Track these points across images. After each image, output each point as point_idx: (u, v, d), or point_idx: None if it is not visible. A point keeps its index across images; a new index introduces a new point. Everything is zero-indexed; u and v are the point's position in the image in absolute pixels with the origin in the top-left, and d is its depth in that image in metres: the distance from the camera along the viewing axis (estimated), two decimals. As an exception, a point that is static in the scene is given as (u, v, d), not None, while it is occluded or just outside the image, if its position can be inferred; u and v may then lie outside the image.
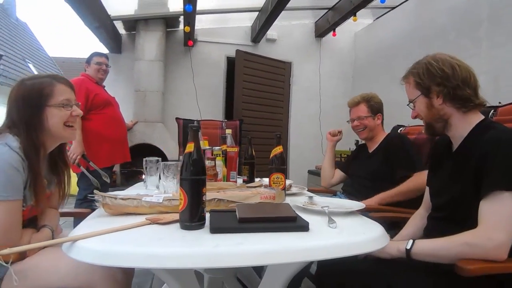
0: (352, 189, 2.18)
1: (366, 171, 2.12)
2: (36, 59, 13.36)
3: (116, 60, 4.88)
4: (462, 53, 1.37)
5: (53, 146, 1.32)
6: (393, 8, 4.54)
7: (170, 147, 4.27)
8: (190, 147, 0.96)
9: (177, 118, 3.07)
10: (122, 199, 1.15)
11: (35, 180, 1.17)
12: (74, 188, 3.40)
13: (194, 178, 0.94)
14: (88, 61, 2.98)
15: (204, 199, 0.96)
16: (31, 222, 1.27)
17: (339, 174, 2.43)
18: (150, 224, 1.02)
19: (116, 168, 4.18)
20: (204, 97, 4.99)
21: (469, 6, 3.35)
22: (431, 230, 1.32)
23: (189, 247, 0.83)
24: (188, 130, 0.98)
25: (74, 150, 2.63)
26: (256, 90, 4.80)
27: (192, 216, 0.94)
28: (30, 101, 1.22)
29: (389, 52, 4.55)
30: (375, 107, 2.18)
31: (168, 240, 0.89)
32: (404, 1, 4.34)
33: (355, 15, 4.30)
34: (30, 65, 11.98)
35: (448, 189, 1.24)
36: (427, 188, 1.46)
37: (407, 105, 1.34)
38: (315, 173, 4.82)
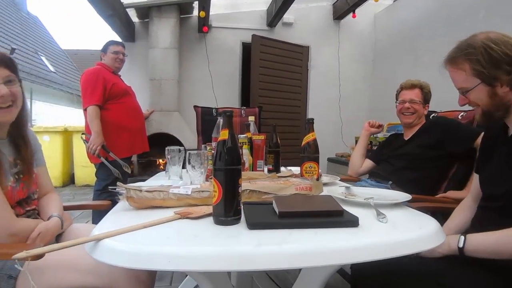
0: (383, 173, 2.08)
1: (403, 155, 2.04)
2: (49, 52, 13.41)
3: (129, 48, 4.76)
4: (494, 32, 1.21)
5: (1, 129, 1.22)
6: (416, -14, 4.32)
7: (187, 136, 4.20)
8: (224, 134, 0.86)
9: (195, 106, 2.97)
10: (148, 191, 1.06)
11: None
12: (92, 179, 3.39)
13: (229, 168, 0.84)
14: (104, 50, 2.90)
15: (240, 191, 0.87)
16: (20, 204, 1.22)
17: (368, 163, 2.32)
18: (180, 218, 0.93)
19: (133, 158, 4.14)
20: (220, 84, 4.88)
21: (502, -21, 3.13)
22: (482, 222, 1.21)
23: (228, 246, 0.74)
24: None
25: (93, 141, 2.57)
26: (273, 76, 4.66)
27: (228, 210, 0.85)
28: None
29: (413, 33, 4.34)
30: (427, 97, 2.11)
31: (204, 238, 0.80)
32: (428, -22, 4.12)
33: (376, -5, 4.10)
34: (43, 58, 12.04)
35: (503, 177, 1.12)
36: (475, 176, 1.34)
37: (461, 93, 1.19)
38: (335, 160, 4.69)
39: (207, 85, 4.83)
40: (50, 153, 5.81)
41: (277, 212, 0.88)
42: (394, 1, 4.88)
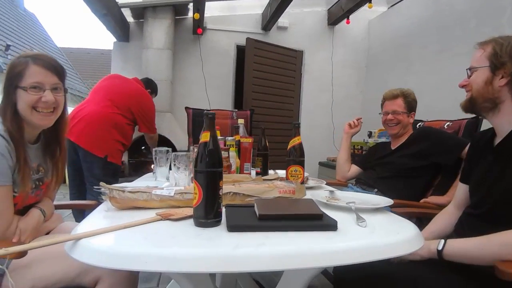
0: (369, 180, 2.09)
1: (388, 164, 2.06)
2: (44, 50, 13.27)
3: (124, 48, 4.79)
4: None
5: (33, 132, 1.24)
6: (409, -6, 4.36)
7: (179, 138, 4.19)
8: (205, 136, 0.87)
9: (186, 108, 2.97)
10: (131, 192, 1.06)
11: (20, 165, 1.12)
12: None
13: (210, 170, 0.85)
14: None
15: (220, 193, 0.87)
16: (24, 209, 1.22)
17: (355, 168, 2.34)
18: (161, 220, 0.93)
19: (124, 158, 4.12)
20: (213, 86, 4.88)
21: (492, -10, 3.17)
22: (466, 228, 1.23)
23: (205, 247, 0.74)
24: (203, 118, 0.89)
25: None
26: (266, 80, 4.67)
27: (208, 212, 0.85)
28: (6, 81, 1.16)
29: (405, 41, 4.38)
30: (411, 105, 2.10)
31: (182, 239, 0.80)
32: (422, -13, 4.16)
33: (370, 2, 4.13)
34: (39, 55, 11.94)
35: (487, 185, 1.14)
36: (460, 185, 1.36)
37: (467, 69, 1.21)
38: (326, 165, 4.70)
39: (200, 86, 4.82)
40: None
41: (257, 215, 0.88)
42: (388, 8, 4.92)
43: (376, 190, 1.98)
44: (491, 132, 1.23)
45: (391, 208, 1.61)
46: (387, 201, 1.18)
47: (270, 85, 4.72)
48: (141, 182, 1.58)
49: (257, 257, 0.72)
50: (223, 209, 0.92)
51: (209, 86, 4.85)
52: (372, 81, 5.14)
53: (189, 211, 0.96)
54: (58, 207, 1.43)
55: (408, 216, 1.78)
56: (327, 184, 1.74)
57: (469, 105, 1.19)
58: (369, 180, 2.08)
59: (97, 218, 1.00)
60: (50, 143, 1.30)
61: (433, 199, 1.84)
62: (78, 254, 0.74)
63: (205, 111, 0.89)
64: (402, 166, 1.98)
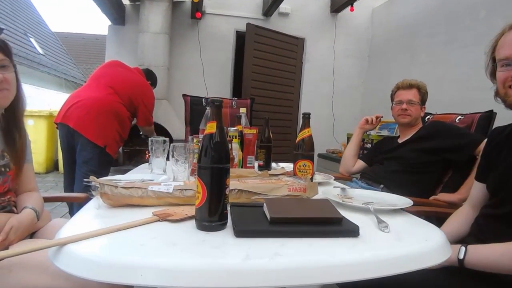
0: (375, 175, 2.00)
1: (396, 158, 1.96)
2: (38, 34, 13.01)
3: (119, 32, 4.62)
4: (494, 33, 1.13)
5: None
6: (417, -19, 4.22)
7: (175, 126, 4.06)
8: (211, 127, 0.76)
9: (184, 95, 2.85)
10: (124, 187, 0.95)
11: None
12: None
13: (216, 166, 0.74)
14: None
15: (227, 192, 0.77)
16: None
17: (360, 163, 2.25)
18: (158, 220, 0.82)
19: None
20: (211, 73, 4.73)
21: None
22: (485, 230, 1.14)
23: (211, 257, 0.64)
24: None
25: None
26: (266, 67, 4.53)
27: (212, 214, 0.75)
28: None
29: (411, 30, 4.25)
30: (424, 98, 2.03)
31: (183, 247, 0.69)
32: (430, -26, 4.02)
33: (375, -12, 3.99)
34: (32, 40, 11.65)
35: (510, 183, 1.05)
36: (476, 184, 1.27)
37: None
38: (326, 157, 4.62)
39: (198, 73, 4.68)
40: (34, 138, 5.60)
41: (268, 218, 0.78)
42: (393, -4, 4.78)
43: (382, 186, 1.89)
44: (511, 128, 1.14)
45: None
46: (405, 201, 1.08)
47: (270, 73, 4.59)
48: (136, 175, 1.47)
49: (271, 271, 0.61)
50: (229, 209, 0.82)
51: (207, 73, 4.70)
52: (374, 72, 5.02)
53: (190, 210, 0.85)
54: (44, 200, 1.32)
55: (417, 215, 1.70)
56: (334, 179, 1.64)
57: None
58: (376, 175, 1.99)
59: (86, 218, 0.89)
60: (10, 127, 1.19)
61: (443, 196, 1.75)
62: (63, 263, 0.64)
63: (210, 98, 0.77)
64: (412, 161, 1.89)
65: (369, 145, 3.71)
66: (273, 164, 1.78)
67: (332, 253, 0.67)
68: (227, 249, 0.67)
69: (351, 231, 0.75)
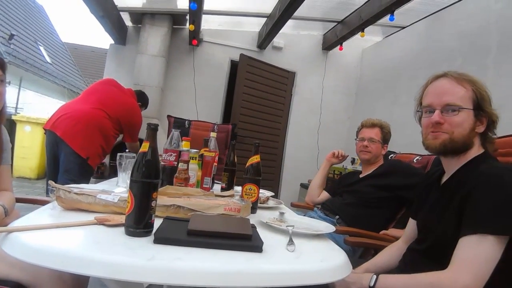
0: (332, 206, 2.11)
1: (354, 191, 2.08)
2: (48, 43, 13.38)
3: (119, 51, 4.85)
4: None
5: None
6: (403, 27, 4.48)
7: (163, 145, 4.19)
8: (145, 146, 0.89)
9: (168, 116, 3.00)
10: (76, 193, 1.08)
11: None
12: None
13: (143, 181, 0.87)
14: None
15: (153, 204, 0.89)
16: None
17: (325, 194, 2.37)
18: (96, 224, 0.95)
19: (106, 160, 4.11)
20: (203, 98, 4.93)
21: (479, 32, 3.27)
22: (407, 263, 1.25)
23: (122, 255, 0.76)
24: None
25: None
26: (256, 97, 4.73)
27: (138, 221, 0.87)
28: None
29: (395, 72, 4.48)
30: (386, 138, 2.17)
31: (106, 245, 0.82)
32: (415, 22, 4.28)
33: (363, 31, 4.24)
34: (41, 48, 11.98)
35: (430, 223, 1.16)
36: (410, 221, 1.39)
37: (444, 109, 1.10)
38: (307, 186, 4.72)
39: (190, 96, 4.87)
40: (29, 144, 5.76)
41: (187, 229, 0.90)
42: (383, 38, 5.04)
43: (337, 217, 2.00)
44: (441, 170, 1.24)
45: (344, 237, 1.64)
46: (329, 227, 1.20)
47: (260, 103, 4.78)
48: (103, 185, 1.59)
49: (169, 271, 0.73)
50: (161, 221, 0.94)
51: (199, 97, 4.90)
52: (360, 109, 5.22)
53: (126, 219, 0.97)
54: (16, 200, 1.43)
55: (364, 247, 1.80)
56: (293, 205, 1.75)
57: (446, 148, 1.10)
58: (333, 206, 2.10)
59: (39, 215, 1.02)
60: None
61: (393, 231, 1.85)
62: (7, 247, 0.77)
63: (148, 123, 0.91)
64: (367, 195, 2.00)
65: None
66: (237, 187, 1.89)
67: (228, 262, 0.79)
68: (139, 251, 0.79)
69: (255, 246, 0.87)
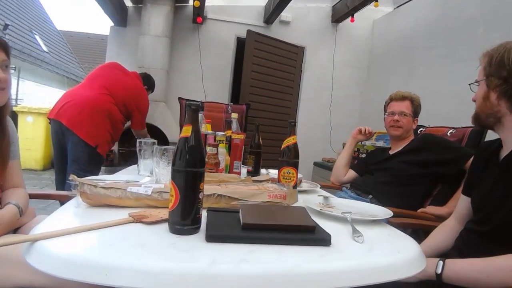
0: (365, 186, 2.00)
1: (387, 169, 1.96)
2: (43, 31, 13.09)
3: (120, 33, 4.65)
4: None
5: None
6: (416, -5, 4.25)
7: (172, 129, 4.07)
8: (187, 130, 0.76)
9: (180, 98, 2.85)
10: (103, 187, 0.95)
11: None
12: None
13: (190, 170, 0.74)
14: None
15: (201, 197, 0.77)
16: None
17: (351, 173, 2.24)
18: (133, 222, 0.82)
19: (114, 148, 4.00)
20: (210, 78, 4.75)
21: (502, -4, 3.07)
22: (467, 245, 1.14)
23: (178, 261, 0.63)
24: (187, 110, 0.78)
25: None
26: (265, 74, 4.55)
27: (185, 218, 0.75)
28: None
29: (410, 43, 4.28)
30: (417, 110, 2.04)
31: (152, 249, 0.69)
32: (429, -12, 4.05)
33: (376, 0, 4.02)
34: (37, 37, 11.73)
35: (493, 201, 1.05)
36: (462, 197, 1.27)
37: (470, 84, 1.19)
38: (321, 165, 4.61)
39: (197, 77, 4.69)
40: (32, 135, 5.63)
41: (241, 223, 0.78)
42: (394, 8, 4.81)
43: (371, 196, 1.89)
44: (497, 144, 1.15)
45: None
46: (386, 212, 1.08)
47: (269, 80, 4.61)
48: (123, 175, 1.47)
49: (236, 277, 0.61)
50: (205, 213, 0.82)
51: (206, 77, 4.72)
52: (373, 83, 5.04)
53: (166, 213, 0.85)
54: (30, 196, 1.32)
55: (403, 227, 1.69)
56: (321, 187, 1.64)
57: (476, 122, 1.18)
58: (365, 186, 1.98)
59: (64, 216, 0.89)
60: None
61: (431, 209, 1.74)
62: (34, 259, 0.65)
63: (187, 102, 0.78)
64: (401, 172, 1.89)
65: (364, 155, 3.71)
66: (263, 170, 1.78)
67: (299, 261, 0.67)
68: (195, 254, 0.67)
69: (323, 239, 0.75)
